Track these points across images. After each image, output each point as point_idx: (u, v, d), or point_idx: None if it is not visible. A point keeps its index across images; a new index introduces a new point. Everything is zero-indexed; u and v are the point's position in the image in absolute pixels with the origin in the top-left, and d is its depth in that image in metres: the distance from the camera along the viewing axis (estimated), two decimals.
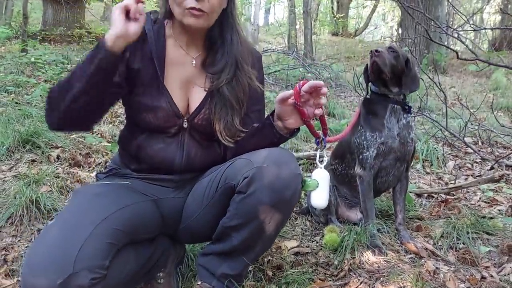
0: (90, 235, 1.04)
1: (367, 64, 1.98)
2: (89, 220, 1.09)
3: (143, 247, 1.32)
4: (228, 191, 1.27)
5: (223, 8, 1.32)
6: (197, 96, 1.35)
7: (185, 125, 1.33)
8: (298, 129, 1.31)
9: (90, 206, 1.16)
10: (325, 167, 2.10)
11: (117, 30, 1.08)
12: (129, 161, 1.40)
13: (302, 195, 2.28)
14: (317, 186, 1.22)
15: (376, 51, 1.79)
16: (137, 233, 1.23)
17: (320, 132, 1.29)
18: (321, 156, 1.29)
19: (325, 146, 1.29)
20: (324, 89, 1.16)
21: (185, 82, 1.35)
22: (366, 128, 1.87)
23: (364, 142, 1.85)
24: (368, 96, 1.97)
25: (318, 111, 1.20)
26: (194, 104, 1.34)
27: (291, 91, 1.20)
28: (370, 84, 1.96)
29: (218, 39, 1.35)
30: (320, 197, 1.23)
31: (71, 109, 1.15)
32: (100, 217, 1.10)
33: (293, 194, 1.23)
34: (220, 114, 1.32)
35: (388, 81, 1.83)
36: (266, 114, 1.42)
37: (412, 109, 1.91)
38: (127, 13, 1.09)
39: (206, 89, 1.34)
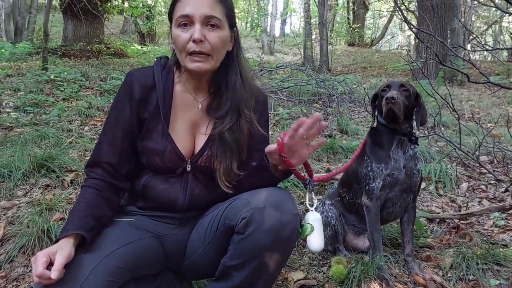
0: (91, 273, 1.08)
1: (375, 94, 1.98)
2: (91, 258, 1.12)
3: (146, 283, 1.34)
4: (228, 231, 1.28)
5: (228, 50, 1.37)
6: (202, 138, 1.39)
7: (188, 168, 1.37)
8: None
9: (93, 245, 1.19)
10: (332, 196, 2.11)
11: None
12: (135, 198, 1.44)
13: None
14: (312, 230, 1.23)
15: (392, 98, 1.77)
16: (138, 269, 1.26)
17: (306, 175, 1.31)
18: (311, 199, 1.30)
19: (313, 188, 1.30)
20: (308, 122, 1.17)
21: (191, 125, 1.40)
22: (372, 159, 1.86)
23: (370, 173, 1.85)
24: (374, 125, 1.97)
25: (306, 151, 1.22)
26: (199, 147, 1.39)
27: (275, 145, 1.23)
28: (377, 113, 1.96)
29: (223, 83, 1.39)
30: (316, 241, 1.24)
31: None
32: (102, 255, 1.14)
33: (291, 234, 1.23)
34: (220, 158, 1.36)
35: (401, 121, 1.84)
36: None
37: (418, 140, 1.90)
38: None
39: (208, 134, 1.38)
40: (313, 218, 1.26)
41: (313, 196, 1.31)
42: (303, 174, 1.33)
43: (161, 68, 1.39)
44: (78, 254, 1.12)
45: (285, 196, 1.27)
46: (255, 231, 1.20)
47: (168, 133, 1.34)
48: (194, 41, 1.25)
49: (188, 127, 1.39)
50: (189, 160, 1.37)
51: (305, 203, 1.31)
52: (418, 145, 1.90)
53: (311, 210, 1.29)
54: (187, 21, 1.27)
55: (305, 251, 2.14)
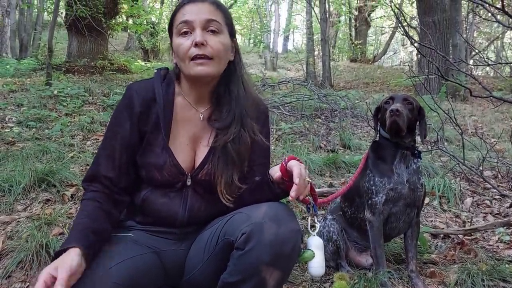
0: None
1: (377, 107, 1.97)
2: (89, 275, 1.10)
3: None
4: (227, 246, 1.26)
5: (230, 60, 1.37)
6: (203, 151, 1.38)
7: (189, 182, 1.35)
8: None
9: (92, 261, 1.16)
10: (334, 211, 2.09)
11: None
12: (134, 213, 1.42)
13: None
14: (313, 257, 1.21)
15: (397, 110, 1.76)
16: (138, 286, 1.23)
17: (310, 198, 1.28)
18: (313, 224, 1.28)
19: (316, 212, 1.28)
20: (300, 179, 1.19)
21: (193, 138, 1.38)
22: (374, 173, 1.84)
23: (373, 187, 1.83)
24: (377, 139, 1.95)
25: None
26: (199, 160, 1.37)
27: (279, 173, 1.25)
28: (379, 127, 1.94)
29: (225, 93, 1.38)
30: (317, 266, 1.22)
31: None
32: (100, 272, 1.12)
33: (292, 250, 1.20)
34: (222, 170, 1.34)
35: (404, 135, 1.83)
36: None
37: (421, 154, 1.89)
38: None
39: (211, 145, 1.36)
40: (315, 244, 1.24)
41: (316, 220, 1.28)
42: (307, 197, 1.31)
43: (161, 80, 1.38)
44: None
45: (286, 211, 1.24)
46: (255, 247, 1.17)
47: (168, 147, 1.33)
48: (196, 44, 1.25)
49: (189, 140, 1.38)
50: (189, 174, 1.35)
51: (308, 227, 1.28)
52: (421, 159, 1.88)
53: (313, 235, 1.26)
54: (187, 28, 1.28)
55: (307, 267, 2.10)
